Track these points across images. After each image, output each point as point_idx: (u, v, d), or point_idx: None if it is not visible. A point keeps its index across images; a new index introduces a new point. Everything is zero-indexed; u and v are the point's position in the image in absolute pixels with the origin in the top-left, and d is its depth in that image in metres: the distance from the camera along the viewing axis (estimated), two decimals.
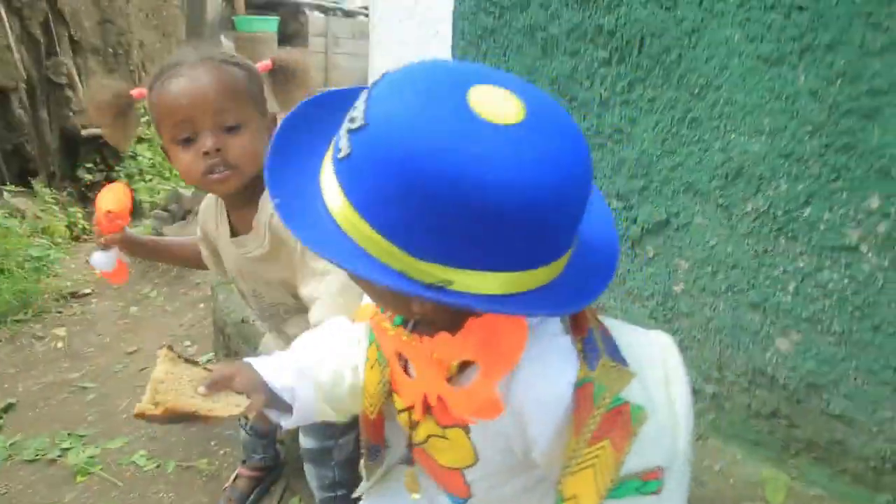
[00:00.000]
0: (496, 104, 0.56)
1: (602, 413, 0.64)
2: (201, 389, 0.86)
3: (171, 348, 0.95)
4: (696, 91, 1.14)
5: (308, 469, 1.40)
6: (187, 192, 3.71)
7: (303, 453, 1.39)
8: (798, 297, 1.08)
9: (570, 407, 0.65)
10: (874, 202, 0.96)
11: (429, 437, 0.80)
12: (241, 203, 1.26)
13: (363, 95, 0.60)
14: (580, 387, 0.65)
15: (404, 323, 0.76)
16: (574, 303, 0.63)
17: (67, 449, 1.98)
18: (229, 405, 0.88)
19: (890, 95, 0.92)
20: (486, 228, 0.55)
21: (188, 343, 2.63)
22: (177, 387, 0.88)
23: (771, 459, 1.17)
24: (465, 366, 0.71)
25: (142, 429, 2.08)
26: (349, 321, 0.95)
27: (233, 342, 1.96)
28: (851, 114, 0.96)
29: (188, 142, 1.14)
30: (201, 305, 2.91)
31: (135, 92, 1.22)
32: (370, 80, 0.91)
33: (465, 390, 0.67)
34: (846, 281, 1.02)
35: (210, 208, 1.38)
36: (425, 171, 0.53)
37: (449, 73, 0.60)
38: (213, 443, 2.00)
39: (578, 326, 0.70)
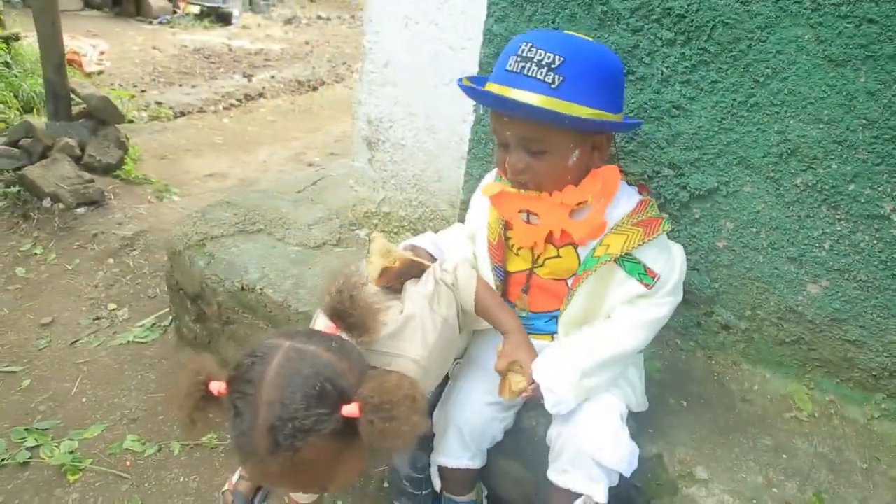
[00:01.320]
0: None
1: (648, 215, 1.17)
2: (407, 250, 1.25)
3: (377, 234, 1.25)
4: (761, 79, 1.31)
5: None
6: (39, 123, 3.12)
7: None
8: (832, 252, 1.36)
9: (631, 210, 1.18)
10: None
11: (545, 260, 1.23)
12: None
13: (527, 49, 1.05)
14: (641, 201, 1.19)
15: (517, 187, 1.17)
16: (637, 123, 1.21)
17: (35, 447, 1.76)
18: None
19: None
20: (622, 88, 1.15)
21: (114, 307, 2.36)
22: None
23: (791, 376, 1.50)
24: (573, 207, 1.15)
25: (115, 411, 1.91)
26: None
27: (223, 309, 1.83)
28: None
29: None
30: (110, 261, 2.58)
31: (214, 388, 0.94)
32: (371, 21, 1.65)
33: (583, 221, 1.13)
34: (875, 241, 1.31)
35: None
36: (614, 67, 1.10)
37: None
38: (209, 416, 1.91)
39: (643, 189, 1.25)
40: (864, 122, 1.25)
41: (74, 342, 2.18)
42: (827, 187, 1.32)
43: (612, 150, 1.26)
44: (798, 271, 1.41)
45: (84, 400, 1.94)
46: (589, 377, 1.17)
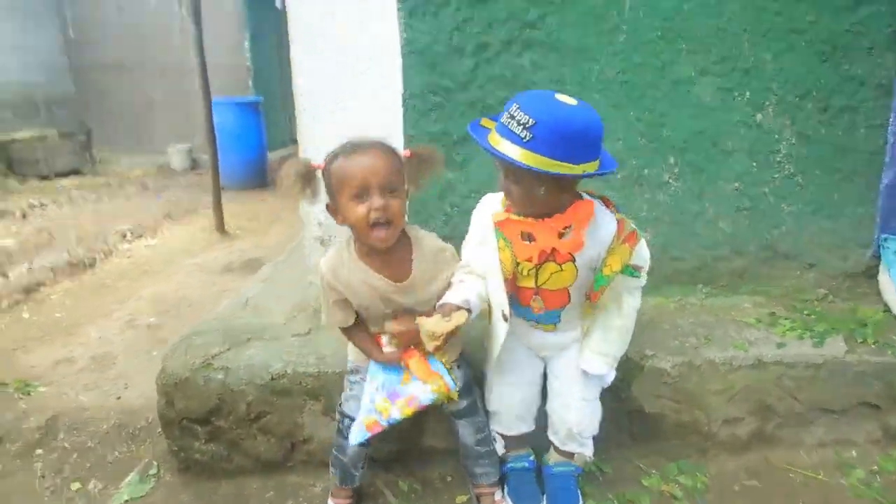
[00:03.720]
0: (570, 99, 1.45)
1: (628, 232, 1.59)
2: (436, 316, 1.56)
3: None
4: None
5: (462, 425, 1.86)
6: None
7: (455, 414, 1.87)
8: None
9: (615, 231, 1.59)
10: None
11: (551, 275, 1.63)
12: (395, 249, 1.68)
13: (514, 110, 1.42)
14: (619, 222, 1.60)
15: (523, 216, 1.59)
16: (611, 168, 1.51)
17: None
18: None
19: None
20: (593, 143, 1.46)
21: (78, 486, 2.29)
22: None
23: (651, 293, 2.44)
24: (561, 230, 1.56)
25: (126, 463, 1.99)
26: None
27: (252, 407, 2.08)
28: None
29: (360, 198, 1.56)
30: (39, 451, 2.46)
31: (315, 164, 1.66)
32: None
33: (567, 240, 1.54)
34: (668, 201, 2.35)
35: (342, 268, 1.72)
36: (578, 128, 1.41)
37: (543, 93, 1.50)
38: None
39: (610, 205, 1.66)
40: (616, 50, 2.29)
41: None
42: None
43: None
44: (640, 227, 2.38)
45: (77, 492, 1.98)
46: (616, 360, 1.79)
